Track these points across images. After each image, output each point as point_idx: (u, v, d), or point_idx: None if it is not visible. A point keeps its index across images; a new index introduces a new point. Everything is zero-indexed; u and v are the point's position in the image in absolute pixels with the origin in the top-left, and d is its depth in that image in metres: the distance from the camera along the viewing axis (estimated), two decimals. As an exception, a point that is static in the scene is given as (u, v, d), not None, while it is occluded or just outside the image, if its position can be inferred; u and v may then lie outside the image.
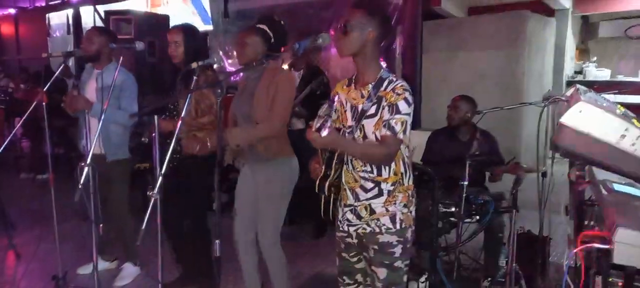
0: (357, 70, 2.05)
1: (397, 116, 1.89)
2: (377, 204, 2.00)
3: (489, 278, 3.21)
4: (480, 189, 3.31)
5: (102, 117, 2.96)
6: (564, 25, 7.64)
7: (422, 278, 3.07)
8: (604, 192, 1.72)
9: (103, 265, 3.67)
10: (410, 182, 2.05)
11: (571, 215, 2.07)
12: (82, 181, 2.67)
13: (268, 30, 2.73)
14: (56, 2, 8.73)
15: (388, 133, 1.90)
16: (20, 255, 4.02)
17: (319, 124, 1.86)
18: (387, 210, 1.99)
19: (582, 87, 1.91)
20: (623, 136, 1.39)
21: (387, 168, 1.98)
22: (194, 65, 2.47)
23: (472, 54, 6.83)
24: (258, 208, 2.79)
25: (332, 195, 2.12)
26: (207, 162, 3.06)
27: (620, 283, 1.86)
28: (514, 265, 2.84)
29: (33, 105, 3.12)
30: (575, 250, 1.48)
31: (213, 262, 3.27)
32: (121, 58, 2.84)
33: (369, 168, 1.99)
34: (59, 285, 3.34)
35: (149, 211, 2.26)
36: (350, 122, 2.03)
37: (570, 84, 7.80)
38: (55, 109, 3.64)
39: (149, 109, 2.48)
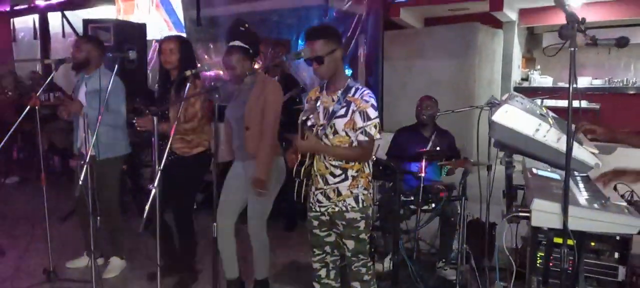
0: (329, 80, 2.49)
1: (370, 122, 2.36)
2: (343, 187, 2.45)
3: (443, 260, 3.67)
4: (435, 181, 3.77)
5: (92, 119, 3.23)
6: (510, 36, 8.27)
7: (387, 259, 3.51)
8: (529, 176, 2.19)
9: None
10: (370, 170, 2.53)
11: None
12: (81, 178, 2.95)
13: (243, 44, 3.03)
14: (22, 7, 8.70)
15: (366, 139, 2.37)
16: (4, 252, 4.17)
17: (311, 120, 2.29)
18: (351, 192, 2.45)
19: (514, 93, 2.38)
20: (537, 130, 1.85)
21: None
22: (188, 73, 2.81)
23: (428, 62, 7.32)
24: (248, 200, 3.12)
25: (304, 180, 2.53)
26: (195, 162, 3.39)
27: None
28: (464, 246, 3.30)
29: (27, 110, 3.36)
30: (504, 218, 1.93)
31: (194, 255, 3.60)
32: (116, 66, 3.12)
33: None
34: (50, 278, 3.59)
35: (149, 203, 2.56)
36: (322, 121, 2.47)
37: (517, 90, 8.47)
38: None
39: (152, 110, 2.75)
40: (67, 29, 8.33)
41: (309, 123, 2.33)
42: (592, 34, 1.90)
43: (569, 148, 1.68)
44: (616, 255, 2.78)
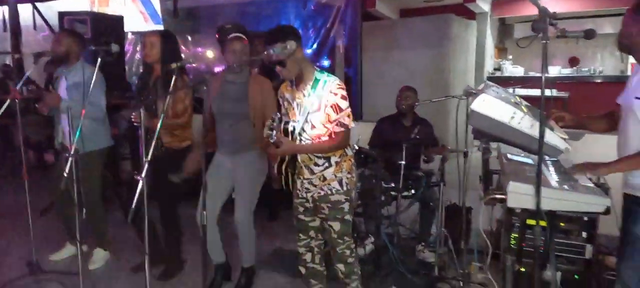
0: (297, 76, 2.55)
1: (342, 113, 2.46)
2: (328, 173, 2.56)
3: (423, 243, 3.82)
4: (416, 168, 3.90)
5: (75, 112, 3.22)
6: (484, 27, 8.49)
7: (367, 242, 3.63)
8: (504, 161, 2.32)
9: (73, 250, 3.87)
10: (352, 153, 2.65)
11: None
12: (66, 171, 2.95)
13: (247, 40, 3.13)
14: (-9, -2, 8.45)
15: (342, 130, 2.47)
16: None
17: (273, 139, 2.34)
18: (335, 176, 2.56)
19: (489, 83, 2.51)
20: (512, 117, 1.98)
21: None
22: (173, 66, 2.84)
23: (404, 53, 7.44)
24: (236, 191, 3.19)
25: (288, 172, 2.61)
26: (184, 155, 3.42)
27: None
28: (442, 229, 3.44)
29: (7, 103, 3.32)
30: (482, 201, 2.05)
31: (179, 245, 3.64)
32: (99, 60, 3.11)
33: None
34: (33, 271, 3.59)
35: (137, 193, 2.59)
36: (298, 117, 2.56)
37: (490, 79, 8.70)
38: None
39: (138, 103, 2.76)
40: (39, 21, 8.13)
41: (272, 140, 2.33)
42: (562, 26, 2.03)
43: (542, 133, 1.80)
44: (584, 234, 2.98)
